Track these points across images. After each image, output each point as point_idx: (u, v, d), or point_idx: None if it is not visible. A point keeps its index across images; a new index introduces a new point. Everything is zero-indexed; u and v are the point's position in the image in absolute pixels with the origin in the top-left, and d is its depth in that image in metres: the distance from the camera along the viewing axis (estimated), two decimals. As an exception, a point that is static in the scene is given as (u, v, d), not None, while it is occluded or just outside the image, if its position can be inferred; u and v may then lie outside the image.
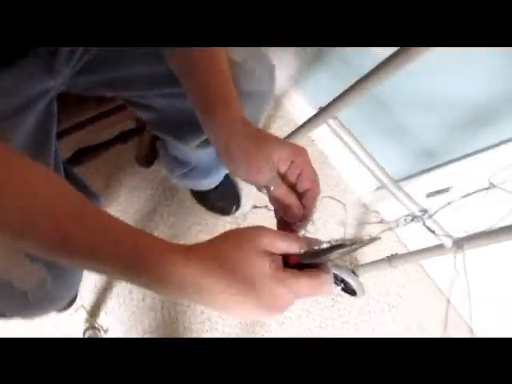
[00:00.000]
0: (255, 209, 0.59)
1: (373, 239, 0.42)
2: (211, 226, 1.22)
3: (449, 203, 0.39)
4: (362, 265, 1.17)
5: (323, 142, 1.41)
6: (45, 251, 0.37)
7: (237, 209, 1.25)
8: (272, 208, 0.55)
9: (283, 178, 0.49)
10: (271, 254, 0.40)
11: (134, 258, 0.37)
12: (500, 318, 1.36)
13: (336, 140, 1.33)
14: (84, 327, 1.03)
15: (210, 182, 1.04)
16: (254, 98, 0.66)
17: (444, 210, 1.10)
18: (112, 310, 1.09)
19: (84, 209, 0.39)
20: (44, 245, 0.36)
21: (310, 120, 0.86)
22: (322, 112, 0.81)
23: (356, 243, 0.41)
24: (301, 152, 0.49)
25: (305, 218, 0.49)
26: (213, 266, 0.38)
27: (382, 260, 1.11)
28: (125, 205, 1.16)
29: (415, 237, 1.37)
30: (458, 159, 1.04)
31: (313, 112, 1.29)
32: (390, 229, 0.40)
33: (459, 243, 0.84)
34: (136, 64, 0.62)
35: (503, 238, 0.72)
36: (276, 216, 0.53)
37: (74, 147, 0.86)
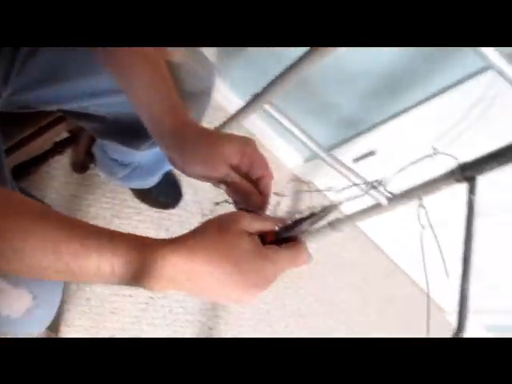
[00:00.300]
0: (217, 205, 0.62)
1: (336, 205, 0.47)
2: (157, 221, 1.24)
3: (401, 169, 0.45)
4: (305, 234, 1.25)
5: (251, 124, 1.46)
6: (37, 268, 0.38)
7: (179, 201, 1.27)
8: (231, 201, 0.59)
9: (237, 169, 0.52)
10: (250, 235, 0.43)
11: (127, 256, 0.39)
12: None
13: (264, 121, 1.39)
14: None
15: (153, 180, 1.05)
16: (196, 97, 0.68)
17: (371, 171, 1.20)
18: (73, 320, 1.08)
19: (67, 219, 0.40)
20: (35, 261, 0.38)
21: (245, 107, 0.90)
22: (257, 98, 0.85)
23: (323, 211, 0.45)
24: (249, 143, 0.52)
25: (265, 203, 0.53)
26: (199, 252, 0.40)
27: (324, 226, 1.19)
28: (66, 214, 1.14)
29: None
30: (379, 124, 1.14)
31: (238, 100, 1.34)
32: (353, 198, 0.44)
33: (394, 201, 0.94)
34: (77, 78, 0.62)
35: (430, 190, 0.82)
36: (236, 208, 0.56)
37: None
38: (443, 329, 1.69)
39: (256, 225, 0.44)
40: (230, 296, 0.43)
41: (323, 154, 0.97)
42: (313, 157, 1.41)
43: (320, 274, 1.46)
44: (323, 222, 1.31)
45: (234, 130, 0.99)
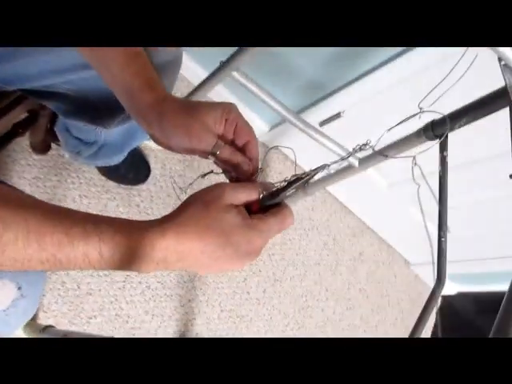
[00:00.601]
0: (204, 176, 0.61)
1: (321, 167, 0.47)
2: (126, 198, 1.21)
3: (388, 129, 0.46)
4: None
5: (215, 94, 1.43)
6: (20, 260, 0.37)
7: (148, 176, 1.24)
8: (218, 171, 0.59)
9: (222, 138, 0.51)
10: (236, 206, 0.43)
11: (114, 241, 0.39)
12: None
13: (227, 90, 1.36)
14: (25, 334, 1.00)
15: (121, 157, 1.02)
16: (166, 68, 0.66)
17: (338, 133, 1.21)
18: (49, 305, 1.05)
19: (51, 208, 0.39)
20: (19, 253, 0.37)
21: (213, 75, 0.88)
22: (224, 66, 0.84)
23: (307, 175, 0.46)
24: (231, 108, 0.51)
25: (255, 169, 0.53)
26: (189, 231, 0.41)
27: (296, 191, 1.20)
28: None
29: (311, 162, 1.48)
30: (344, 87, 1.14)
31: (201, 70, 1.30)
32: (339, 161, 0.44)
33: (364, 162, 0.95)
34: (37, 54, 0.58)
35: (402, 150, 0.84)
36: (226, 177, 0.56)
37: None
38: (410, 280, 1.78)
39: (240, 196, 0.44)
40: (223, 268, 0.43)
41: (292, 118, 0.97)
42: (278, 123, 1.41)
43: (292, 238, 1.48)
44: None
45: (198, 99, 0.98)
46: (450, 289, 1.76)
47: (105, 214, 1.14)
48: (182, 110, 0.50)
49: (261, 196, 0.46)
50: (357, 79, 1.10)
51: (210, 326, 1.28)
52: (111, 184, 1.20)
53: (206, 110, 0.50)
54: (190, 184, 0.71)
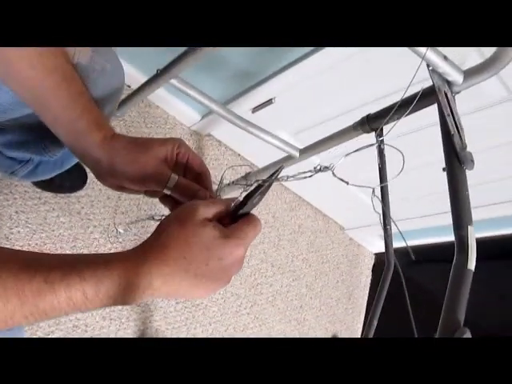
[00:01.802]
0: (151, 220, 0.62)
1: (279, 169, 0.49)
2: (66, 206, 1.17)
3: (346, 155, 0.49)
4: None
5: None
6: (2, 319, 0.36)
7: (85, 182, 1.21)
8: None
9: (175, 171, 0.52)
10: (211, 221, 0.44)
11: (95, 277, 0.38)
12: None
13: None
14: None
15: (59, 172, 0.98)
16: (109, 95, 0.65)
17: (270, 118, 1.25)
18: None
19: (22, 256, 0.39)
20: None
21: (149, 82, 0.87)
22: (162, 74, 0.83)
23: (269, 180, 0.47)
24: (181, 143, 0.53)
25: (212, 197, 0.54)
26: (170, 251, 0.41)
27: (239, 179, 1.24)
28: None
29: (257, 153, 1.51)
30: (275, 74, 1.17)
31: (139, 75, 1.26)
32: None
33: (304, 153, 1.00)
34: None
35: (340, 142, 0.89)
36: None
37: None
38: (346, 244, 1.90)
39: (212, 209, 0.44)
40: (211, 286, 0.43)
41: (218, 109, 0.99)
42: (209, 112, 1.41)
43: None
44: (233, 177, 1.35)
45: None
46: (383, 247, 1.92)
47: (45, 226, 1.11)
48: (132, 147, 0.51)
49: (230, 208, 0.48)
50: (286, 67, 1.13)
51: (168, 319, 1.30)
52: (48, 194, 1.15)
53: (156, 146, 0.51)
54: (132, 223, 0.71)
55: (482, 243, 0.65)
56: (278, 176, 0.50)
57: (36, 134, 0.64)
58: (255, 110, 1.31)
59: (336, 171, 0.49)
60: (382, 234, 1.83)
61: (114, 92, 0.65)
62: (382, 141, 0.78)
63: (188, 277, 0.41)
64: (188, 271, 0.41)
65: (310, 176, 0.52)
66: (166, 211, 0.58)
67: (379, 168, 0.77)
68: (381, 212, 0.71)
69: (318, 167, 0.51)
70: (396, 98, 0.84)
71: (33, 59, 0.47)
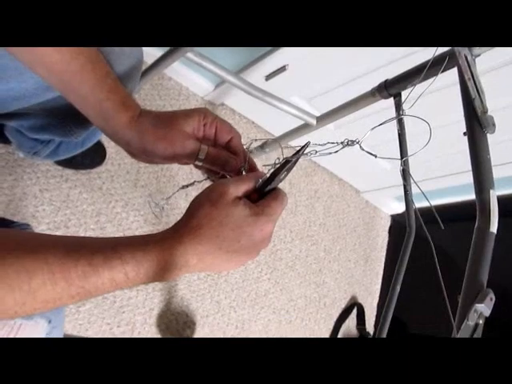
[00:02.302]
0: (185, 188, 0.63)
1: (305, 145, 0.50)
2: (87, 183, 1.20)
3: (372, 129, 0.50)
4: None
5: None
6: (51, 300, 0.39)
7: (105, 157, 1.23)
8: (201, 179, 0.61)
9: (204, 142, 0.54)
10: (241, 199, 0.45)
11: (135, 260, 0.41)
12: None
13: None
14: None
15: (82, 149, 1.00)
16: (129, 74, 0.65)
17: (284, 85, 1.24)
18: None
19: (66, 242, 0.41)
20: (49, 295, 0.39)
21: (165, 56, 0.87)
22: (178, 47, 0.83)
23: (296, 155, 0.49)
24: (206, 112, 0.54)
25: (243, 163, 0.55)
26: (204, 232, 0.43)
27: (257, 147, 1.24)
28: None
29: (273, 121, 1.50)
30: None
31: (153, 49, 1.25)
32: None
33: (321, 120, 1.00)
34: None
35: (358, 107, 0.89)
36: (213, 181, 0.58)
37: None
38: (362, 207, 1.91)
39: (241, 188, 0.46)
40: (241, 260, 0.46)
41: (232, 79, 0.98)
42: (222, 81, 1.40)
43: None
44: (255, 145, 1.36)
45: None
46: (398, 208, 1.93)
47: (69, 203, 1.14)
48: (160, 123, 0.52)
49: (258, 185, 0.49)
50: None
51: (192, 287, 1.34)
52: (69, 172, 1.17)
53: (183, 119, 0.52)
54: (168, 198, 0.73)
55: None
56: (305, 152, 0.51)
57: (61, 118, 0.66)
58: (269, 77, 1.30)
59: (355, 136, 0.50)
60: (397, 195, 1.84)
61: (134, 71, 0.66)
62: (401, 107, 0.77)
63: (221, 253, 0.43)
64: (221, 248, 0.43)
65: (337, 151, 0.52)
66: (184, 181, 0.59)
67: (399, 134, 0.77)
68: (401, 178, 0.72)
69: (346, 141, 0.51)
70: (413, 59, 0.84)
71: None
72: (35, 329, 0.51)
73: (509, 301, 1.26)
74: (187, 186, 0.62)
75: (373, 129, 0.48)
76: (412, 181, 0.78)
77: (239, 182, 0.47)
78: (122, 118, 0.51)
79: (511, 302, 1.26)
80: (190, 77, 1.41)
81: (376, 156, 0.45)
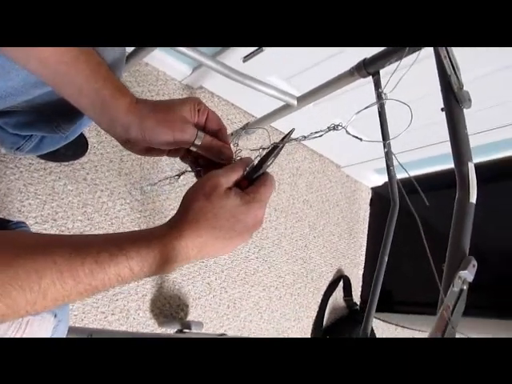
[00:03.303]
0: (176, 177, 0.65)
1: (290, 132, 0.53)
2: (71, 174, 1.19)
3: (356, 113, 0.52)
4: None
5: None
6: (60, 298, 0.41)
7: (87, 148, 1.22)
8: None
9: (197, 128, 0.55)
10: (232, 189, 0.48)
11: (139, 255, 0.43)
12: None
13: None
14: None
15: (64, 143, 0.99)
16: (114, 65, 0.65)
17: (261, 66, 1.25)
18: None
19: (72, 241, 0.43)
20: (58, 293, 0.40)
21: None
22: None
23: (282, 142, 0.52)
24: (199, 101, 0.56)
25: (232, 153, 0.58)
26: (201, 225, 0.46)
27: (238, 130, 1.26)
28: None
29: (253, 102, 1.50)
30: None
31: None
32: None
33: (301, 100, 1.02)
34: None
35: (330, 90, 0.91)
36: (199, 173, 0.60)
37: None
38: (343, 181, 1.95)
39: (231, 178, 0.49)
40: (236, 244, 0.49)
41: (209, 62, 0.99)
42: (199, 64, 1.40)
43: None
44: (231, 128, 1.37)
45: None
46: (379, 181, 1.97)
47: (54, 196, 1.14)
48: (158, 108, 0.54)
49: (246, 172, 0.51)
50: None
51: (183, 271, 1.37)
52: (52, 164, 1.17)
53: (179, 105, 0.54)
54: (158, 182, 0.74)
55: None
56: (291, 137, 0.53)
57: (48, 114, 0.66)
58: (246, 58, 1.30)
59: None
60: (377, 168, 1.88)
61: (119, 61, 0.66)
62: (380, 85, 0.80)
63: (218, 241, 0.47)
64: (218, 238, 0.46)
65: (321, 135, 0.54)
66: (166, 172, 0.61)
67: (379, 116, 0.79)
68: (385, 158, 0.75)
69: (332, 126, 0.54)
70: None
71: None
72: (42, 323, 0.53)
73: (488, 264, 1.32)
74: (179, 175, 0.64)
75: (357, 113, 0.50)
76: (395, 161, 0.81)
77: (229, 172, 0.49)
78: (121, 103, 0.52)
79: (491, 266, 1.32)
80: (167, 61, 1.40)
81: (361, 139, 0.47)
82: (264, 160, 0.52)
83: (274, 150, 0.52)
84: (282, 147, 0.53)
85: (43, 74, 0.51)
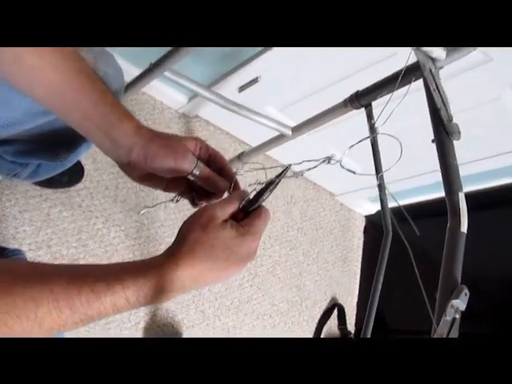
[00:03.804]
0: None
1: (287, 169, 0.55)
2: (67, 201, 1.20)
3: (350, 147, 0.53)
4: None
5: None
6: (56, 326, 0.40)
7: (82, 175, 1.23)
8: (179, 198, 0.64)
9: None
10: (227, 221, 0.49)
11: (136, 286, 0.43)
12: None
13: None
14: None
15: (60, 170, 1.00)
16: (116, 94, 0.67)
17: (257, 96, 1.27)
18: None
19: (69, 270, 0.44)
20: (54, 322, 0.40)
21: (143, 75, 0.89)
22: (156, 67, 0.85)
23: (278, 177, 0.53)
24: (201, 140, 0.58)
25: (236, 187, 0.59)
26: (197, 256, 0.46)
27: (233, 159, 1.27)
28: None
29: (248, 131, 1.53)
30: (260, 53, 1.19)
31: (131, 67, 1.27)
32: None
33: (296, 131, 1.04)
34: None
35: (331, 118, 0.93)
36: (194, 203, 0.62)
37: None
38: (337, 209, 1.96)
39: (227, 210, 0.50)
40: (231, 274, 0.50)
41: (206, 93, 1.01)
42: (196, 94, 1.42)
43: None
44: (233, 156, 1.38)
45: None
46: (372, 209, 1.99)
47: (50, 222, 1.14)
48: (163, 135, 0.55)
49: (241, 205, 0.53)
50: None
51: (176, 299, 1.36)
52: (48, 191, 1.18)
53: (183, 138, 0.56)
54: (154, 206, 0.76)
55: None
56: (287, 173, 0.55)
57: (47, 143, 0.67)
58: (242, 89, 1.33)
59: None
60: (370, 196, 1.90)
61: (117, 93, 0.68)
62: (372, 116, 0.82)
63: (213, 272, 0.48)
64: (212, 268, 0.47)
65: (315, 166, 0.56)
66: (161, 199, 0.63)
67: (372, 145, 0.81)
68: (378, 190, 0.76)
69: (327, 159, 0.55)
70: (381, 68, 0.88)
71: (57, 64, 0.49)
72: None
73: (480, 292, 1.33)
74: (173, 198, 0.65)
75: (351, 147, 0.52)
76: (390, 194, 0.82)
77: (225, 205, 0.51)
78: (128, 126, 0.53)
79: (483, 293, 1.32)
80: (164, 90, 1.42)
81: (355, 173, 0.49)
82: (260, 194, 0.53)
83: (269, 185, 0.54)
84: (278, 183, 0.55)
85: (48, 100, 0.52)
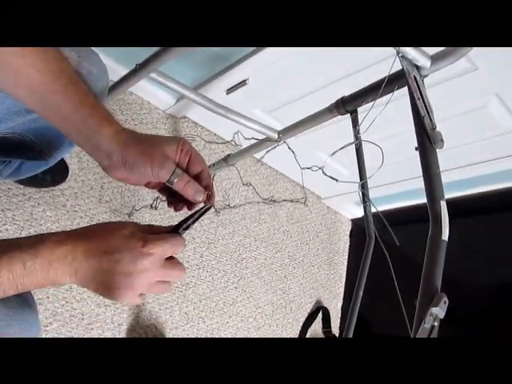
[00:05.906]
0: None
1: (208, 208, 0.59)
2: (50, 200, 1.19)
3: (332, 154, 0.54)
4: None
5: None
6: None
7: (67, 174, 1.22)
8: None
9: (178, 167, 0.57)
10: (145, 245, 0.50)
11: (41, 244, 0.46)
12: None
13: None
14: None
15: (44, 168, 0.99)
16: (100, 95, 0.66)
17: (245, 98, 1.27)
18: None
19: None
20: None
21: (128, 76, 0.89)
22: (142, 68, 0.84)
23: (203, 209, 0.58)
24: (185, 141, 0.57)
25: (212, 195, 0.60)
26: (92, 241, 0.49)
27: (220, 161, 1.27)
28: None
29: (240, 134, 1.53)
30: (248, 55, 1.19)
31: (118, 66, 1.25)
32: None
33: (282, 135, 1.04)
34: None
35: (316, 123, 0.93)
36: (175, 206, 0.62)
37: None
38: (323, 212, 1.96)
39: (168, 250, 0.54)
40: (120, 296, 0.50)
41: (194, 96, 1.01)
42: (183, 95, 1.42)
43: (216, 200, 1.56)
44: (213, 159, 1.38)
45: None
46: (358, 212, 2.00)
47: (33, 222, 1.13)
48: (142, 140, 0.55)
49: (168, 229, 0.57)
50: (259, 48, 1.15)
51: (160, 300, 1.35)
52: (31, 190, 1.16)
53: (163, 141, 0.55)
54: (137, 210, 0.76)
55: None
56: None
57: (30, 140, 0.66)
58: (229, 91, 1.33)
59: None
60: (357, 200, 1.91)
61: (102, 92, 0.67)
62: (357, 122, 0.82)
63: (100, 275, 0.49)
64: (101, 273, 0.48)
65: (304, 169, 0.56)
66: (147, 200, 0.62)
67: (356, 150, 0.81)
68: (359, 191, 0.77)
69: (311, 167, 0.56)
70: (367, 74, 0.88)
71: (39, 65, 0.49)
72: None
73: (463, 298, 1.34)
74: (152, 205, 0.66)
75: (332, 154, 0.52)
76: (370, 203, 0.83)
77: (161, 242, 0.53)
78: (107, 131, 0.53)
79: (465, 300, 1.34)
80: (151, 91, 1.42)
81: (337, 180, 0.49)
82: (182, 223, 0.57)
83: (194, 215, 0.58)
84: (199, 218, 0.58)
85: (31, 100, 0.52)
